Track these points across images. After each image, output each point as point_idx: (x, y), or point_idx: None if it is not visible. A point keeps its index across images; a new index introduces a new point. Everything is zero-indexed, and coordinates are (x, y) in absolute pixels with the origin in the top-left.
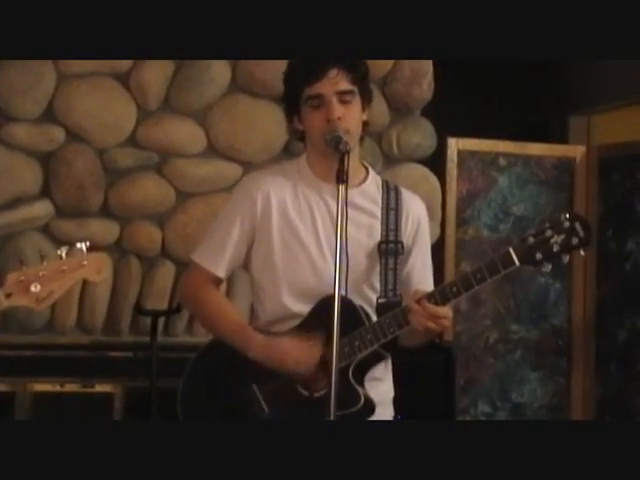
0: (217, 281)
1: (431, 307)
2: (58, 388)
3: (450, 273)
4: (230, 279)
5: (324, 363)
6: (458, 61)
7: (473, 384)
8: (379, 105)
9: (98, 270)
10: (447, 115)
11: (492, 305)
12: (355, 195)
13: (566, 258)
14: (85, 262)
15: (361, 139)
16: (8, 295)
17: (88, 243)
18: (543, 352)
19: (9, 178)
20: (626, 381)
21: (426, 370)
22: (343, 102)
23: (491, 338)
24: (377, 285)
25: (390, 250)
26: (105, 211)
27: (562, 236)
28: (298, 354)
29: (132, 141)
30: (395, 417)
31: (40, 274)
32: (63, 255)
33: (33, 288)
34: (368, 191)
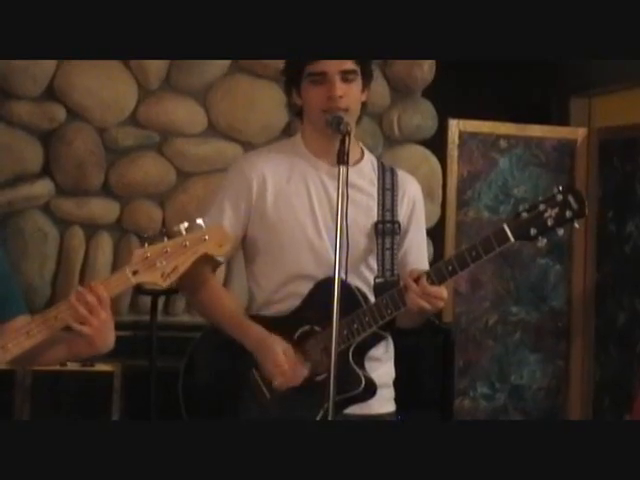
0: (214, 264)
1: (426, 286)
2: (58, 367)
3: (450, 254)
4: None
5: (325, 347)
6: (458, 61)
7: (472, 366)
8: (380, 86)
9: (220, 244)
10: (448, 96)
11: (492, 287)
12: (352, 174)
13: (561, 231)
14: (206, 237)
15: (358, 119)
16: (135, 272)
17: (205, 218)
18: (542, 334)
19: (10, 156)
20: (625, 363)
21: (425, 352)
22: (345, 80)
23: (490, 320)
24: (374, 265)
25: (387, 230)
26: (105, 190)
27: (556, 210)
28: (284, 366)
29: (133, 120)
30: (396, 418)
31: (165, 250)
32: (183, 231)
33: (158, 264)
34: (364, 170)
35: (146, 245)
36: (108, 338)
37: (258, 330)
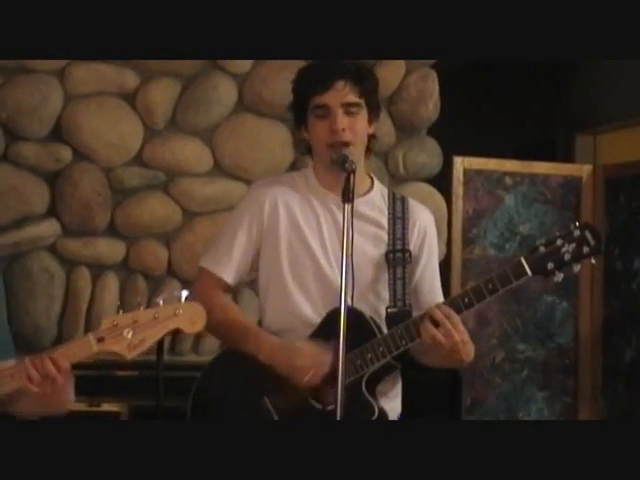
0: (225, 287)
1: (448, 311)
2: None
3: (456, 292)
4: (237, 295)
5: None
6: (461, 62)
7: (479, 404)
8: (385, 124)
9: (193, 321)
10: (453, 134)
11: (498, 324)
12: (360, 204)
13: (577, 267)
14: (180, 311)
15: (368, 151)
16: (100, 339)
17: (187, 292)
18: (550, 371)
19: (16, 197)
20: (633, 400)
21: (432, 389)
22: (348, 113)
23: (497, 357)
24: (384, 295)
25: (397, 259)
26: (111, 230)
27: (573, 245)
28: (307, 360)
29: (139, 160)
30: None
31: (134, 320)
32: (160, 303)
33: (126, 334)
34: (373, 200)
35: (120, 313)
36: (63, 401)
37: (273, 339)
